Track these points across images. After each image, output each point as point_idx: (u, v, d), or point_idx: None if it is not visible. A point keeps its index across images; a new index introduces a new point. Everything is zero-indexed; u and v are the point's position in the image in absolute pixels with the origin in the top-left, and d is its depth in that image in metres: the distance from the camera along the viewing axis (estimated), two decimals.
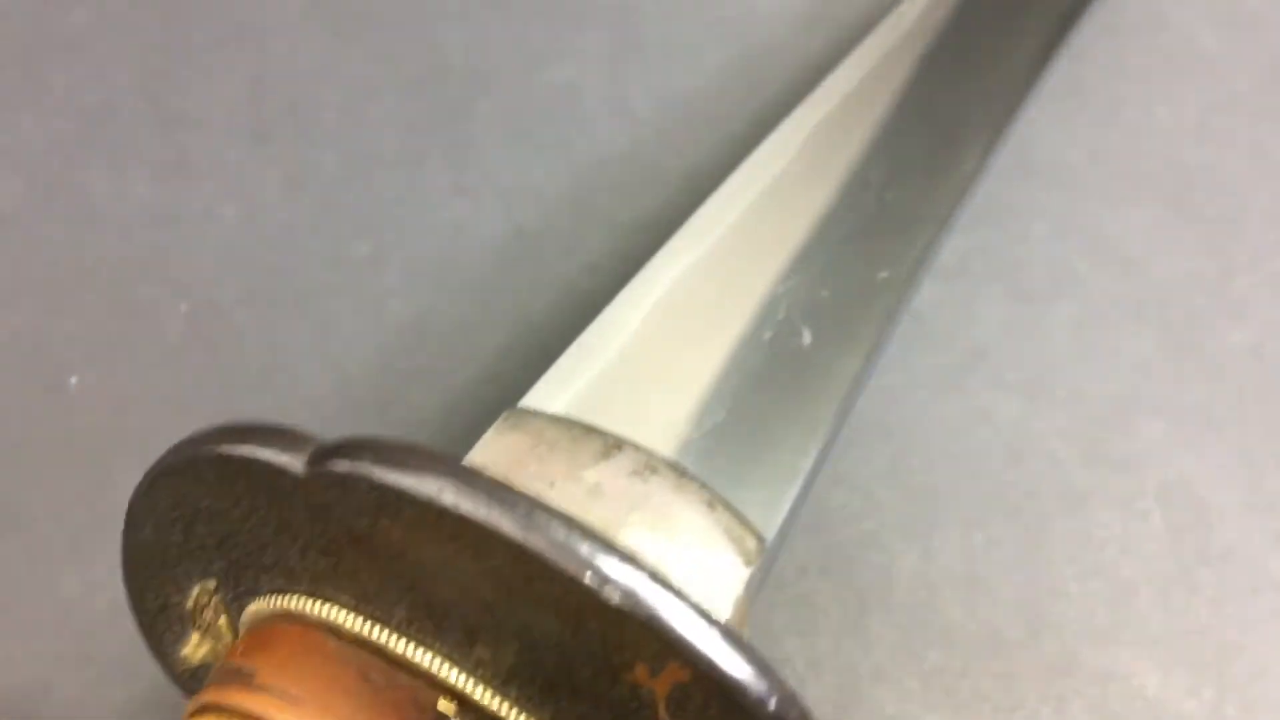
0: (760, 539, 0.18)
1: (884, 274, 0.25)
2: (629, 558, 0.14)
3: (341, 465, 0.15)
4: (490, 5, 0.39)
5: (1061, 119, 0.37)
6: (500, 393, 0.28)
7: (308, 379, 0.30)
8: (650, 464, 0.18)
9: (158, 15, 0.38)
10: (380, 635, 0.15)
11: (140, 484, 0.17)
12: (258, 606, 0.17)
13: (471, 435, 0.19)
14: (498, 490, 0.14)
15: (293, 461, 0.15)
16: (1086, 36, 0.38)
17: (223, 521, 0.17)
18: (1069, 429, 0.30)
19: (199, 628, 0.19)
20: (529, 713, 0.15)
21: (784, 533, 0.20)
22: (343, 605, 0.16)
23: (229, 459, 0.16)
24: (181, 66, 0.37)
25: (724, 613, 0.17)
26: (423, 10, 0.39)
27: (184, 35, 0.38)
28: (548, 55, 0.38)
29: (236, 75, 0.37)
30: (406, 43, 0.38)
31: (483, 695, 0.15)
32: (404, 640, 0.15)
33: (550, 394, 0.20)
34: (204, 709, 0.15)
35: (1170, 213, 0.35)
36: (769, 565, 0.20)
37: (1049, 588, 0.27)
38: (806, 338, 0.23)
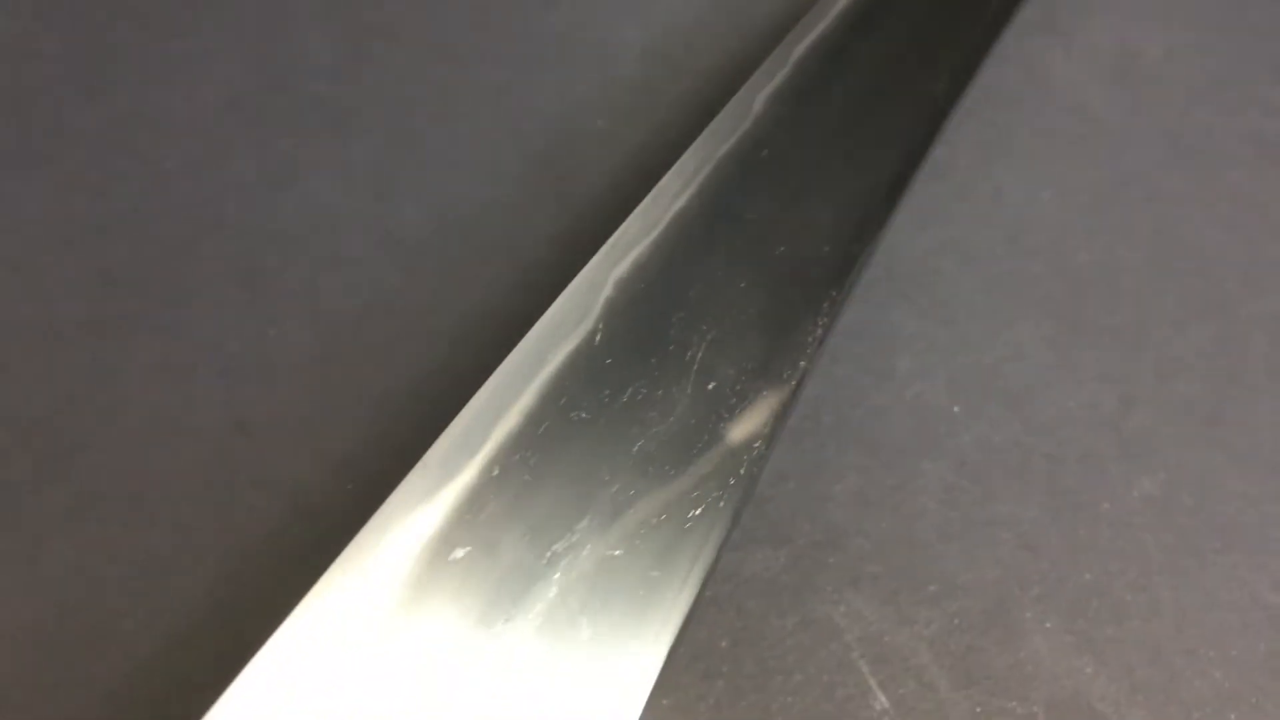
0: None
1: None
2: None
3: None
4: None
5: (930, 211, 0.32)
6: None
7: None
8: None
9: None
10: None
11: None
12: None
13: None
14: None
15: None
16: (958, 108, 0.32)
17: None
18: (939, 638, 0.24)
19: None
20: None
21: None
22: None
23: None
24: None
25: None
26: None
27: None
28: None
29: None
30: None
31: None
32: None
33: None
34: None
35: (1059, 329, 0.30)
36: None
37: None
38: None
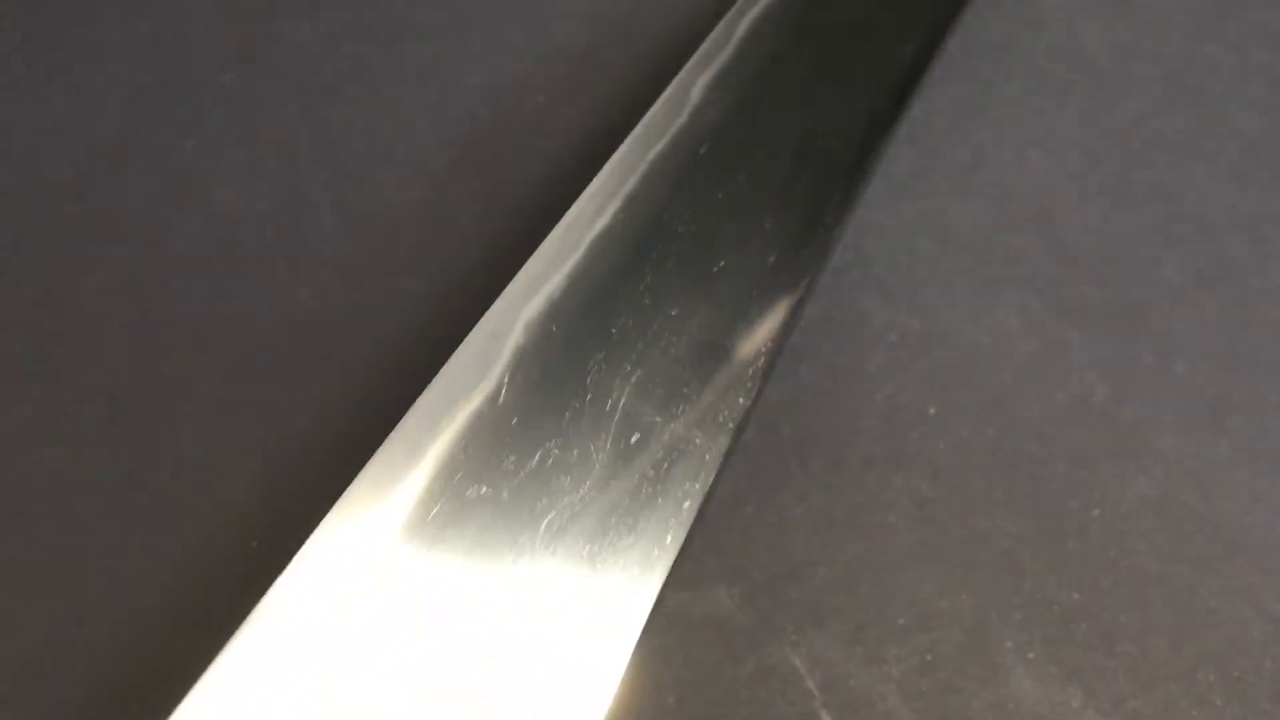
0: None
1: None
2: None
3: None
4: None
5: (903, 182, 0.29)
6: None
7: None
8: None
9: None
10: None
11: None
12: None
13: None
14: None
15: None
16: (934, 64, 0.29)
17: None
18: (910, 678, 0.22)
19: None
20: None
21: None
22: None
23: None
24: None
25: None
26: None
27: None
28: None
29: None
30: None
31: None
32: None
33: None
34: None
35: (1047, 311, 0.27)
36: None
37: None
38: None
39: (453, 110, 0.28)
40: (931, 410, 0.25)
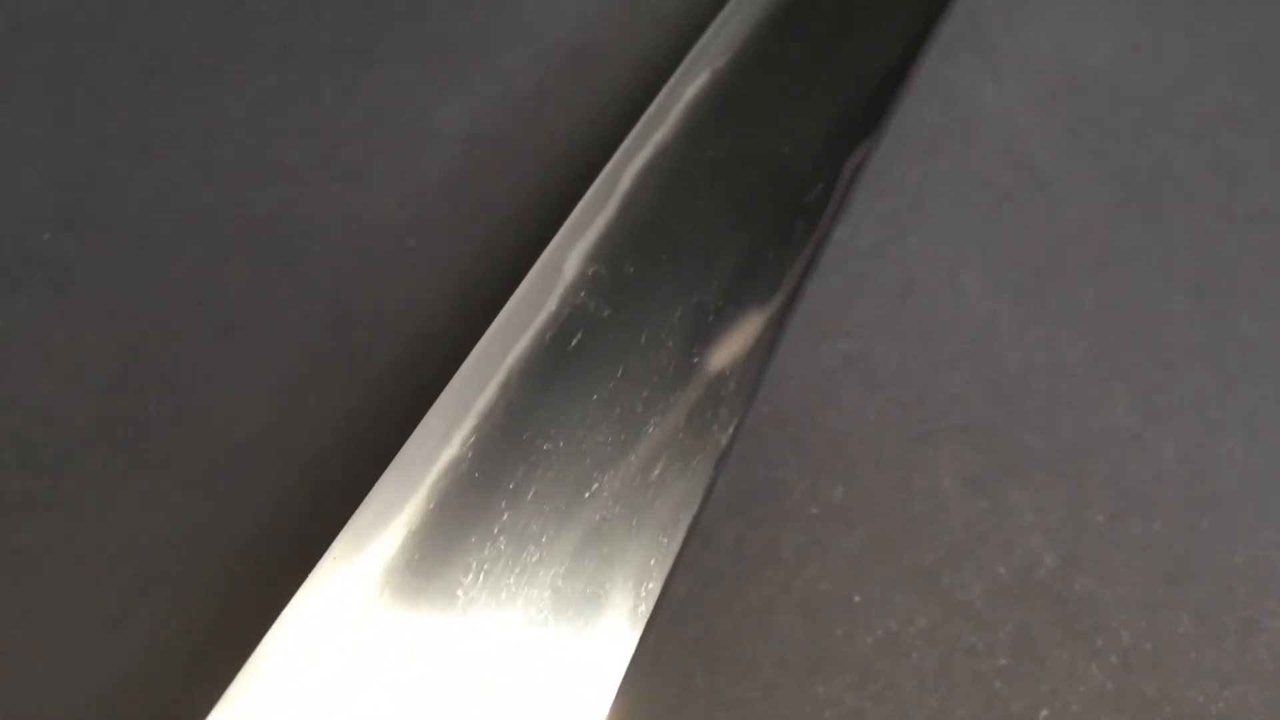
0: None
1: None
2: None
3: None
4: None
5: (825, 317, 0.26)
6: None
7: None
8: None
9: None
10: None
11: None
12: None
13: None
14: None
15: None
16: (857, 179, 0.26)
17: None
18: None
19: None
20: None
21: None
22: None
23: None
24: None
25: None
26: None
27: None
28: None
29: None
30: None
31: None
32: None
33: None
34: None
35: (986, 465, 0.24)
36: None
37: None
38: None
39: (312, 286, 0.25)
40: (856, 598, 0.22)
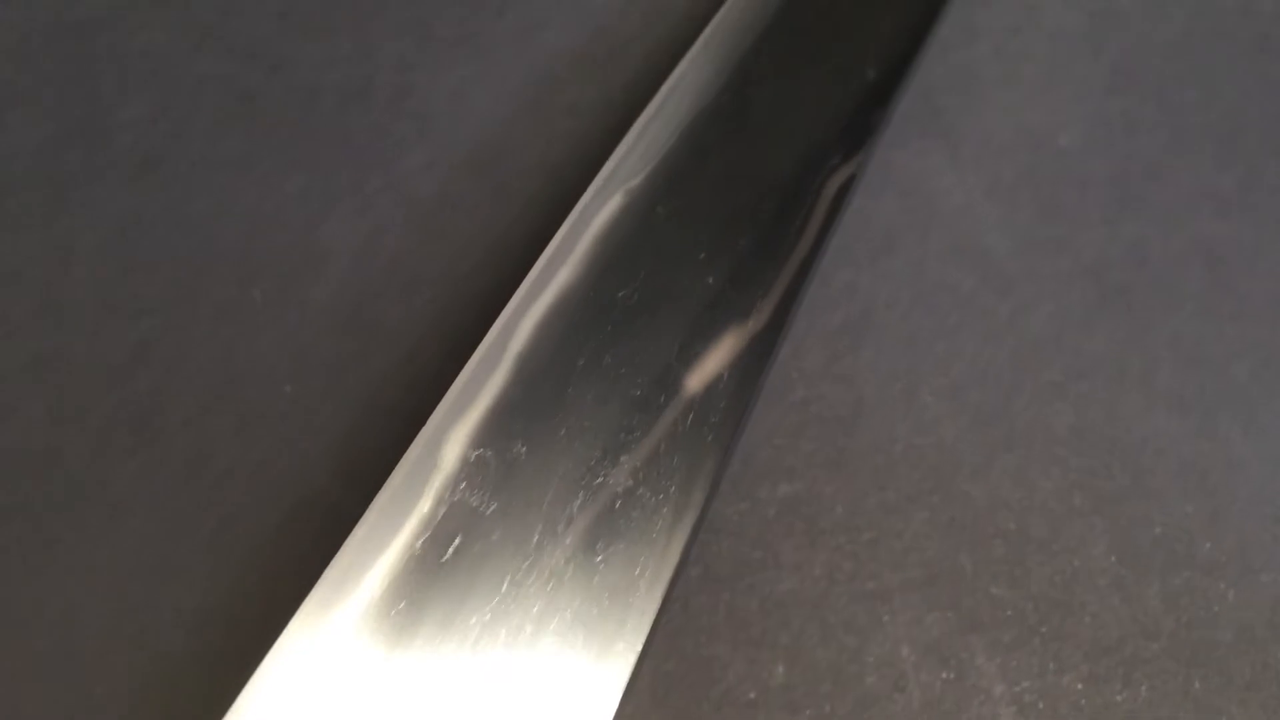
0: None
1: None
2: None
3: None
4: None
5: (773, 462, 0.23)
6: None
7: None
8: None
9: None
10: None
11: None
12: None
13: None
14: None
15: None
16: (800, 295, 0.23)
17: None
18: None
19: None
20: None
21: None
22: None
23: None
24: None
25: None
26: None
27: None
28: None
29: None
30: None
31: None
32: None
33: None
34: None
35: (948, 628, 0.21)
36: None
37: None
38: None
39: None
40: None
